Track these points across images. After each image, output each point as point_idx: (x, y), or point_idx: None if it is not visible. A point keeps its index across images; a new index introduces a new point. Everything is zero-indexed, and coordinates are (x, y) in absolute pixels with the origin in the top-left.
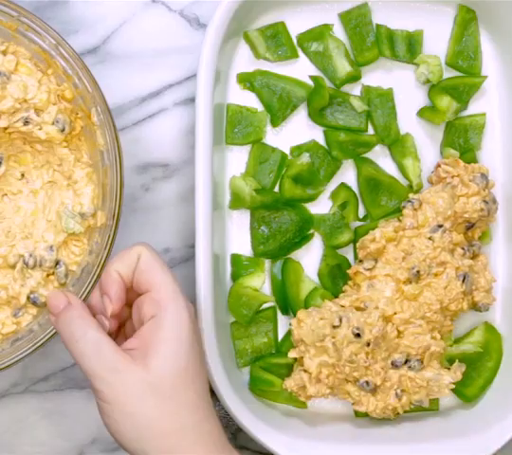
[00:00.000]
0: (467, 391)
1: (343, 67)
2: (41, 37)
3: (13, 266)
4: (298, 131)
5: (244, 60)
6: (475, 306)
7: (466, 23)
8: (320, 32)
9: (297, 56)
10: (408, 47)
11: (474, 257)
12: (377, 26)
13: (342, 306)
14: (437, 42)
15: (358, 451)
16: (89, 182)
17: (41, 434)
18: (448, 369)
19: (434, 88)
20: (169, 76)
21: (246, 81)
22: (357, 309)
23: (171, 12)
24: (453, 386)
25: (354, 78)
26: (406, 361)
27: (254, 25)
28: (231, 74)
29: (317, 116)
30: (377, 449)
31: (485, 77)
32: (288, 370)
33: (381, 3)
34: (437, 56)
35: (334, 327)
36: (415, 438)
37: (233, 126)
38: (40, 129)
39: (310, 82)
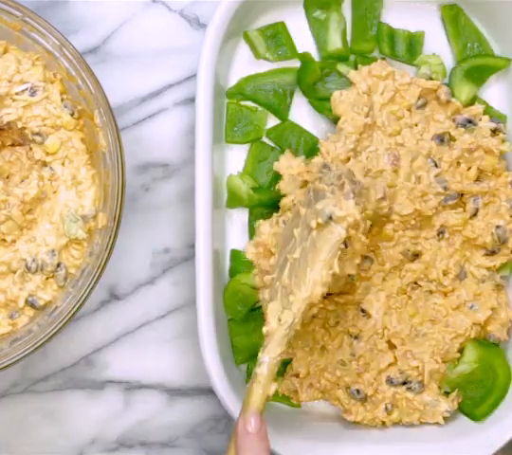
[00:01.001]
0: (477, 411)
1: (334, 43)
2: (45, 38)
3: (14, 271)
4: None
5: (244, 60)
6: (484, 335)
7: (454, 18)
8: (328, 3)
9: (297, 56)
10: (408, 47)
11: (498, 289)
12: (379, 23)
13: None
14: (438, 43)
15: (358, 451)
16: (93, 185)
17: (40, 434)
18: (447, 394)
19: (455, 73)
20: (169, 76)
21: (238, 93)
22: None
23: (171, 12)
24: (448, 414)
25: (341, 57)
26: (404, 382)
27: (254, 25)
28: (231, 74)
29: (310, 91)
30: (377, 449)
31: (509, 59)
32: (285, 367)
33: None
34: (437, 55)
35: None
36: (415, 438)
37: (233, 125)
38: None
39: (295, 66)
